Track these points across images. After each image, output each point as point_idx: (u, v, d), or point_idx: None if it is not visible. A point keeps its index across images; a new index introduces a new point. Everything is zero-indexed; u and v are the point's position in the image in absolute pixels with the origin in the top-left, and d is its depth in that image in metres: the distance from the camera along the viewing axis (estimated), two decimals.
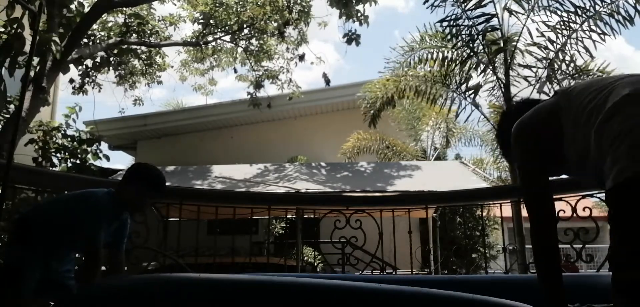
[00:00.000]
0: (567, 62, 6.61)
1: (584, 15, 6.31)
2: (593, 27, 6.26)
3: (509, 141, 1.70)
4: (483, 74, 7.22)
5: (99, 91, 9.53)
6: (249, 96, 11.34)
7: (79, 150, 6.55)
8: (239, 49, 11.15)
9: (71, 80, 9.35)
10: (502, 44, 6.88)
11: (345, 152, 12.00)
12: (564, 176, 1.76)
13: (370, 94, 8.87)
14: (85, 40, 7.81)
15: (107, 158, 7.20)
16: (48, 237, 2.25)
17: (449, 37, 6.92)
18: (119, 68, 9.96)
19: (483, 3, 6.62)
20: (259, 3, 9.91)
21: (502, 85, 6.97)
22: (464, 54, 7.02)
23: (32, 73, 5.60)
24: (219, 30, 10.42)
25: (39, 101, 5.63)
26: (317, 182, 9.32)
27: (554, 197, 3.38)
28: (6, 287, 2.17)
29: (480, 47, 6.90)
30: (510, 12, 6.66)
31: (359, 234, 3.63)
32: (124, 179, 2.45)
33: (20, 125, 5.01)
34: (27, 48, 3.02)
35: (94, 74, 9.30)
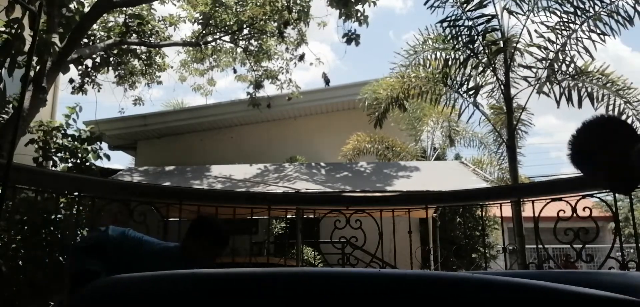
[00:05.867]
0: (567, 62, 6.60)
1: (583, 15, 6.31)
2: (593, 28, 6.25)
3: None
4: (483, 74, 7.22)
5: (99, 91, 9.53)
6: (249, 96, 11.35)
7: (79, 150, 6.53)
8: (239, 49, 11.15)
9: (71, 80, 9.35)
10: (502, 45, 6.88)
11: (345, 155, 11.98)
12: (564, 176, 1.76)
13: (375, 94, 8.83)
14: (85, 40, 7.80)
15: (108, 157, 7.20)
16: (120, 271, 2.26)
17: (448, 38, 6.92)
18: (119, 68, 9.96)
19: (483, 3, 6.61)
20: (258, 3, 9.91)
21: (502, 85, 6.98)
22: (464, 55, 7.02)
23: (32, 73, 5.60)
24: (219, 30, 10.43)
25: (39, 101, 5.62)
26: (317, 182, 9.32)
27: (554, 197, 3.40)
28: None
29: (480, 47, 6.90)
30: (510, 12, 6.66)
31: (359, 234, 3.64)
32: (188, 234, 2.48)
33: (20, 125, 5.01)
34: (27, 48, 3.02)
35: (94, 74, 9.30)
